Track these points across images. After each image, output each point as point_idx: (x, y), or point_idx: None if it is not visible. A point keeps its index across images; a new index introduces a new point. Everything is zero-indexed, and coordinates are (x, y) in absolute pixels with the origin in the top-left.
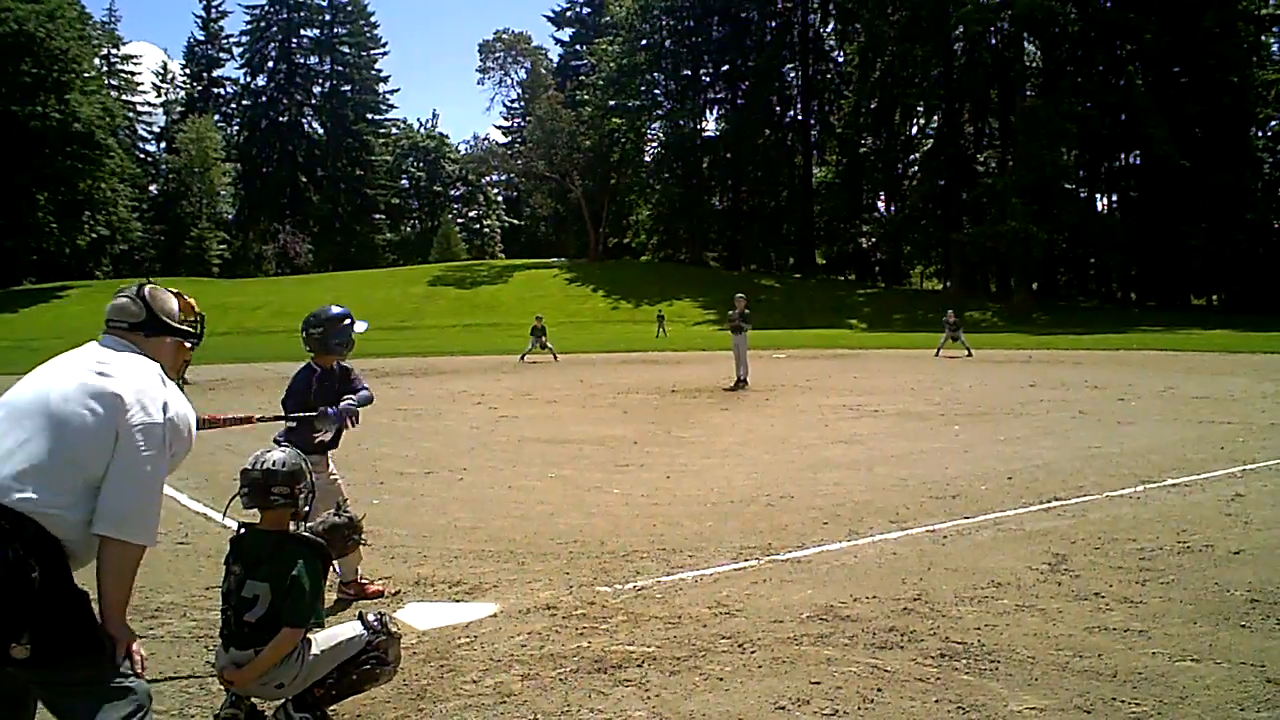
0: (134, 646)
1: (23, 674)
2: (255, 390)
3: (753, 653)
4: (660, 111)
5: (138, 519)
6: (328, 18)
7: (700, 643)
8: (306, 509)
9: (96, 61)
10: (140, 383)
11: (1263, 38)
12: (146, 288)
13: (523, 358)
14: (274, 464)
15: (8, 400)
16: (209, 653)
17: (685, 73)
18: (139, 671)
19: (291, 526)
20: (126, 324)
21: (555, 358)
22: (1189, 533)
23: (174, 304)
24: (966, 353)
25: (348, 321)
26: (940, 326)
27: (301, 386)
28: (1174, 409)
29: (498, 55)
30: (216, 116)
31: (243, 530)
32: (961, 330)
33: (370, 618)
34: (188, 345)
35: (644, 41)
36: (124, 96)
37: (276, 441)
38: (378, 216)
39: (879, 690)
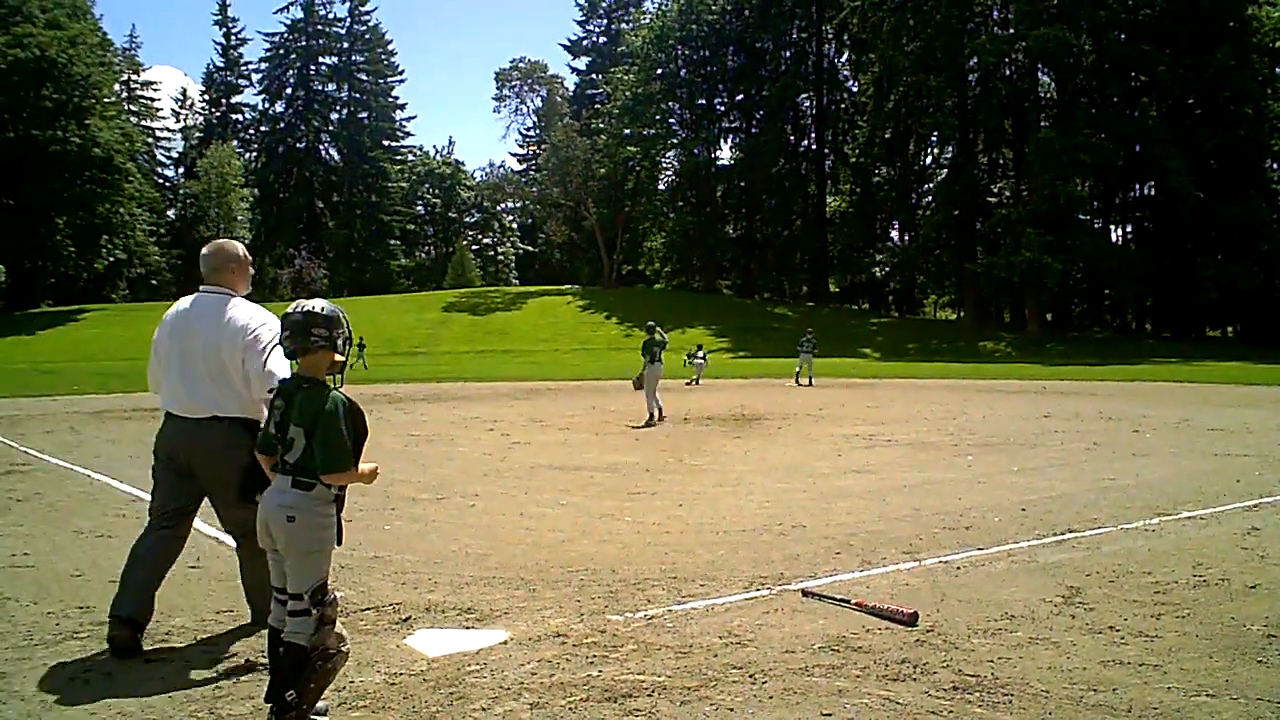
0: None
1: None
2: None
3: (764, 683)
4: (675, 140)
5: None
6: (346, 45)
7: (711, 672)
8: (343, 359)
9: (116, 87)
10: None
11: (1277, 70)
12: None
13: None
14: (314, 307)
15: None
16: (222, 678)
17: (700, 102)
18: None
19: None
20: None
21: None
22: (1205, 566)
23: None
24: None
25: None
26: (943, 355)
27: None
28: (1189, 441)
29: (514, 83)
30: (234, 142)
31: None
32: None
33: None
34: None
35: (659, 71)
36: (143, 122)
37: None
38: (393, 242)
39: None
